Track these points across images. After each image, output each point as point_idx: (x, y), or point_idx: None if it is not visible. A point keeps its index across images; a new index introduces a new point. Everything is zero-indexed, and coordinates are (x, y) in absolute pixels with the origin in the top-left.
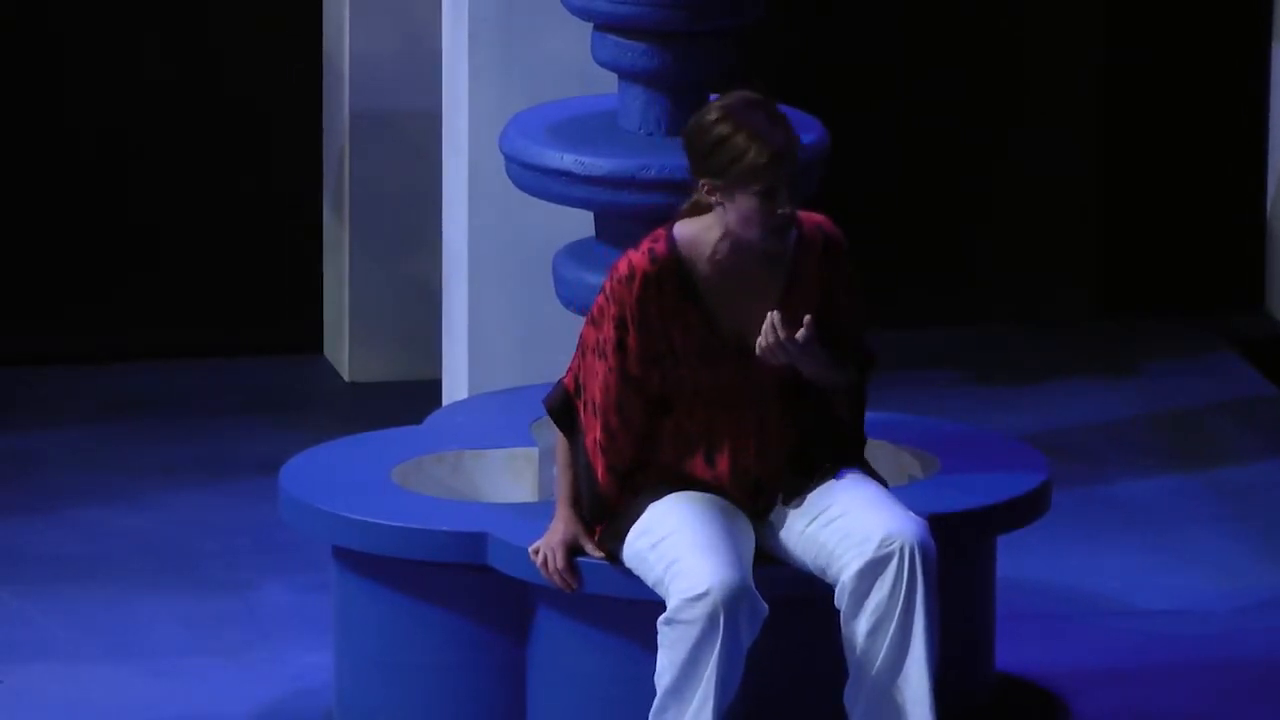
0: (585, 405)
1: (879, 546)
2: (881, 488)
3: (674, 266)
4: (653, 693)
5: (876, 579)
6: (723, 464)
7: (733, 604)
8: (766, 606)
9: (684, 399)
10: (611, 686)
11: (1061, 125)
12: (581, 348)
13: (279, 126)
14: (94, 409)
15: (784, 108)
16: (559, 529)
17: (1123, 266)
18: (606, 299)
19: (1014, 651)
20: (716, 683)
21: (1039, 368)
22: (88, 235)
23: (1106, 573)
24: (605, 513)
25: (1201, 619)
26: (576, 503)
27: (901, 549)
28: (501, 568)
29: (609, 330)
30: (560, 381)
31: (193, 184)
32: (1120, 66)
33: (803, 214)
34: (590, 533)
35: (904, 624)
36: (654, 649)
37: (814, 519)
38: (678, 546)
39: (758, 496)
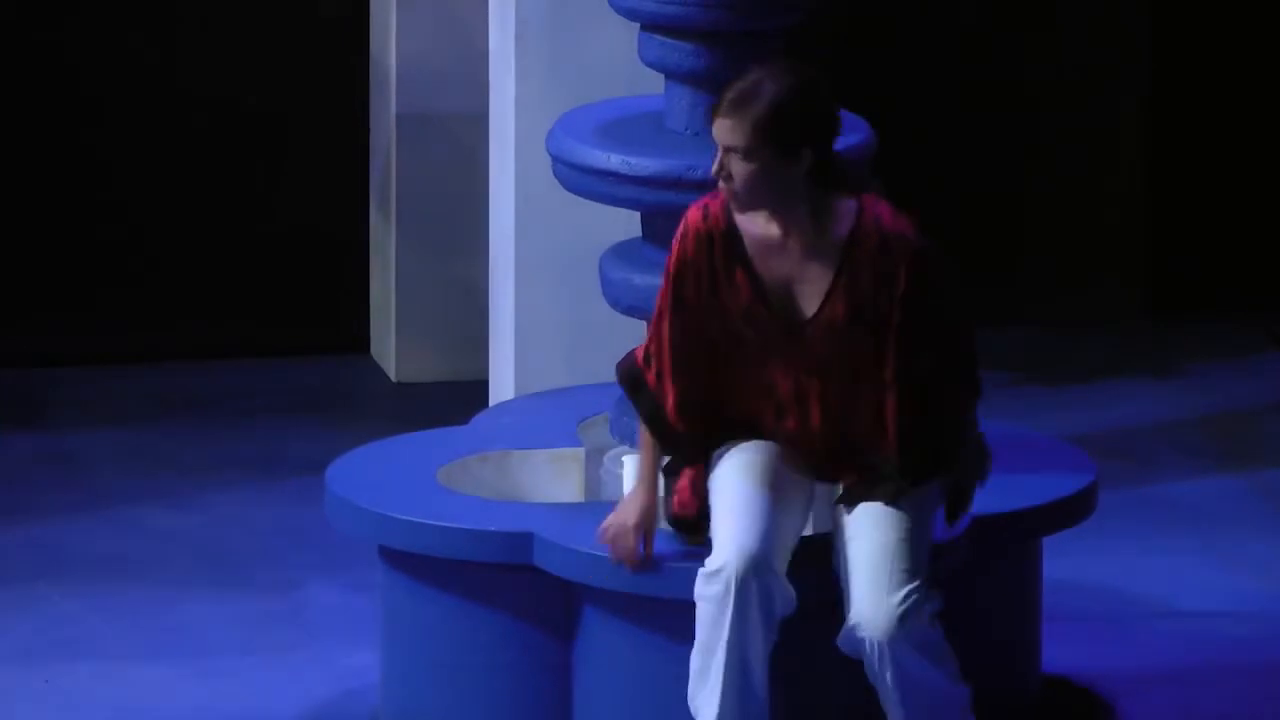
0: (660, 372)
1: (853, 623)
2: (894, 537)
3: (724, 224)
4: None
5: (858, 644)
6: (789, 423)
7: (744, 580)
8: (793, 592)
9: (745, 355)
10: (658, 687)
11: (1110, 124)
12: (654, 313)
13: (325, 127)
14: (140, 408)
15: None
16: (633, 509)
17: (1172, 265)
18: (670, 257)
19: (1060, 652)
20: (725, 667)
21: (1087, 368)
22: (133, 233)
23: (1154, 574)
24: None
25: (1249, 620)
26: (654, 487)
27: (869, 640)
28: (547, 567)
29: (669, 286)
30: (632, 350)
31: (239, 183)
32: (1169, 63)
33: (868, 204)
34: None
35: (884, 693)
36: None
37: (845, 541)
38: (715, 517)
39: (816, 468)
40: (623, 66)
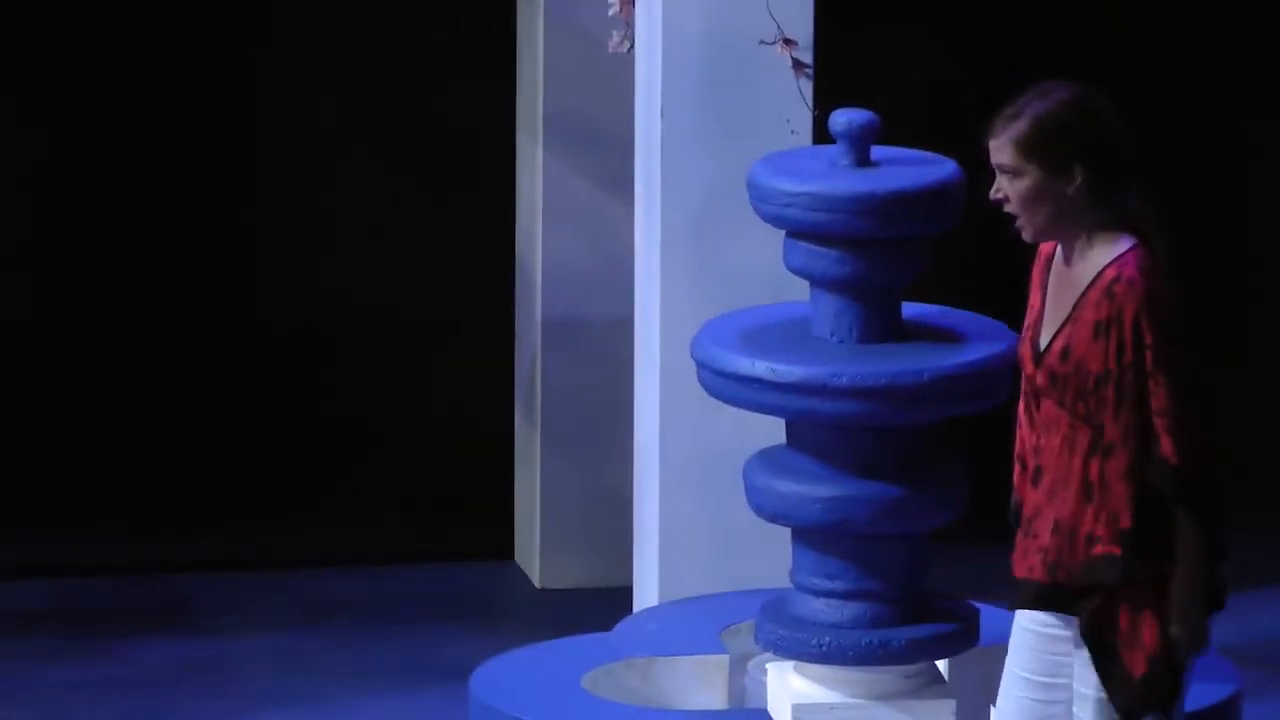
0: None
1: None
2: None
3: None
4: None
5: None
6: (1027, 490)
7: None
8: None
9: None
10: None
11: None
12: None
13: (472, 334)
14: (285, 614)
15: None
16: None
17: None
18: None
19: None
20: None
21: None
22: (283, 440)
23: None
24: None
25: None
26: None
27: None
28: None
29: None
30: None
31: (385, 390)
32: None
33: (1133, 248)
34: None
35: None
36: None
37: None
38: None
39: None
40: (768, 273)
